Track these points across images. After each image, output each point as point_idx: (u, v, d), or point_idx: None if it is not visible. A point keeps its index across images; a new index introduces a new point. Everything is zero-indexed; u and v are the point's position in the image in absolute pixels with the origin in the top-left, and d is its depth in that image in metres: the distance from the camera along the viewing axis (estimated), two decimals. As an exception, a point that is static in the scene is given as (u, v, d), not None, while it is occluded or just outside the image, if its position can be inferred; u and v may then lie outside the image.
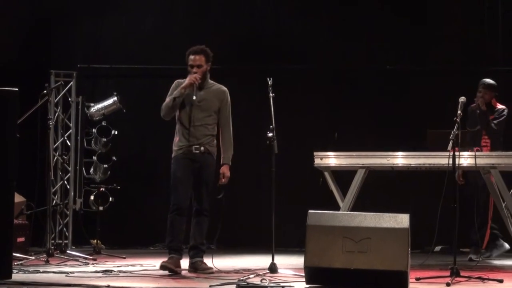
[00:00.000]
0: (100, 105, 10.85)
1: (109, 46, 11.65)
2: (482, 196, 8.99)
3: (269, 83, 7.28)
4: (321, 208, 6.28)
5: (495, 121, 9.04)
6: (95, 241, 9.99)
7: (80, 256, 8.73)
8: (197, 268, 7.26)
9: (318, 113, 11.27)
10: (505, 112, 9.13)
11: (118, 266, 7.71)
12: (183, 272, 7.22)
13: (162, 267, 7.22)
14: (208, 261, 7.38)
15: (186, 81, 7.38)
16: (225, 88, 7.62)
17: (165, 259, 7.31)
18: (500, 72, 11.05)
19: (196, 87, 7.40)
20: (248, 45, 11.50)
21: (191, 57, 7.47)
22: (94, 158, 10.86)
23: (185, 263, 7.40)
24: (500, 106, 9.19)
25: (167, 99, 7.46)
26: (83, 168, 10.86)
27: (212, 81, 7.63)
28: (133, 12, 11.66)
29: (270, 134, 7.10)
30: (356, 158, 8.48)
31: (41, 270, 7.21)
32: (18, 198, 9.49)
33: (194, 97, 7.37)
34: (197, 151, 7.36)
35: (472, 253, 9.04)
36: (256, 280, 6.41)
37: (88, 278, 6.57)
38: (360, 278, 5.90)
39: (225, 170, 7.42)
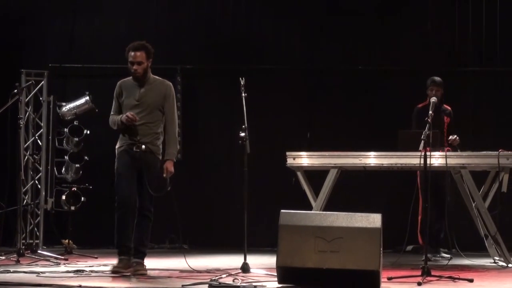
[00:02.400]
0: (72, 105, 10.80)
1: (81, 46, 11.58)
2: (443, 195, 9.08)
3: (242, 82, 7.24)
4: (294, 208, 6.28)
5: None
6: (67, 241, 9.94)
7: (51, 256, 8.67)
8: (133, 269, 7.08)
9: (290, 113, 11.29)
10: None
11: (90, 266, 7.70)
12: (154, 273, 7.21)
13: (114, 272, 7.03)
14: (181, 260, 7.35)
15: (124, 119, 7.08)
16: (168, 83, 7.29)
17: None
18: (469, 72, 11.17)
19: (138, 85, 7.17)
20: (220, 46, 11.49)
21: (131, 53, 7.11)
22: (66, 157, 10.80)
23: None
24: (447, 107, 9.21)
25: (114, 117, 7.24)
26: (55, 168, 10.80)
27: (155, 77, 7.28)
28: (106, 11, 11.60)
29: (242, 134, 7.08)
30: (329, 158, 8.49)
31: (11, 270, 7.15)
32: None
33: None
34: (138, 150, 7.13)
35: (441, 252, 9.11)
36: (229, 280, 6.41)
37: (60, 278, 6.54)
38: (332, 278, 5.91)
39: (168, 165, 7.16)
